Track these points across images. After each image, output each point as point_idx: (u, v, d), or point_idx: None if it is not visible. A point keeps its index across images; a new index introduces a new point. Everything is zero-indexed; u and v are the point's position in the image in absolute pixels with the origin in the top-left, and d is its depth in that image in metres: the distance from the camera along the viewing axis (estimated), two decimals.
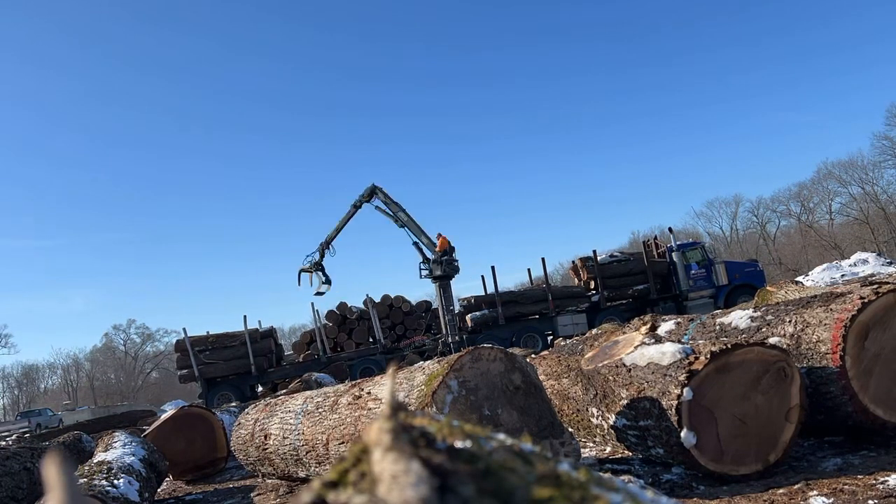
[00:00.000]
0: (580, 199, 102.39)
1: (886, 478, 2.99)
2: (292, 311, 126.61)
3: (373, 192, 22.15)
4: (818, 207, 60.13)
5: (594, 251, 22.85)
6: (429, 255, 21.76)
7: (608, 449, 4.65)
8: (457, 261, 21.71)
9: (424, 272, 21.49)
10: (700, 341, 3.74)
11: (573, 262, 24.56)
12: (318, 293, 22.71)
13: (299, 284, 22.73)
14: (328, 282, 22.65)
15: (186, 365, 21.69)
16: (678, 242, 23.92)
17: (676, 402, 3.27)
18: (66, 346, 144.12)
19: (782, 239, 62.69)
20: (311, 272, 22.52)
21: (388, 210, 22.14)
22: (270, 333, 23.20)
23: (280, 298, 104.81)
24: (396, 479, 0.48)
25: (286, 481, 5.38)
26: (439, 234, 21.86)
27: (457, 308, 22.36)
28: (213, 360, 21.88)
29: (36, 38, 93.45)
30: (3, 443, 6.64)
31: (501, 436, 0.59)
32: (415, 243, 22.05)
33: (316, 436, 4.32)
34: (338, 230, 22.58)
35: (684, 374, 3.30)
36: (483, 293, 22.36)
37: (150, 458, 5.45)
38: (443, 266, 21.24)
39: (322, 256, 22.43)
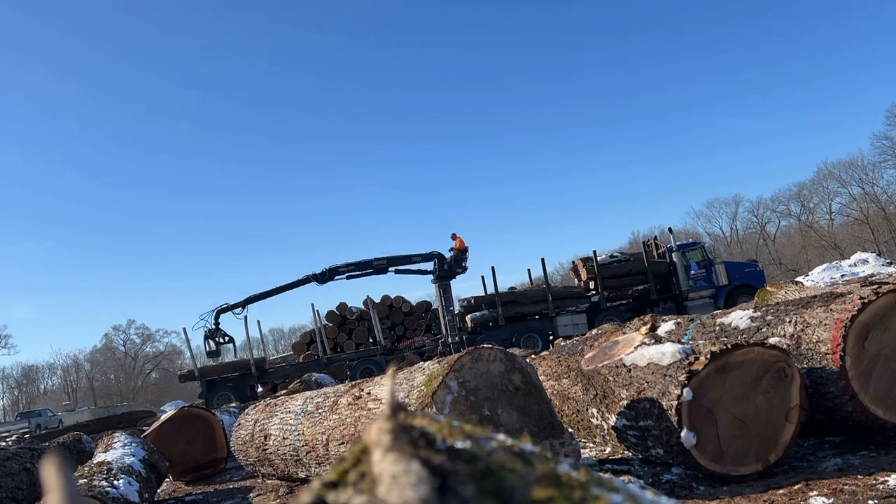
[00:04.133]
0: (580, 199, 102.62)
1: (886, 478, 2.99)
2: (292, 311, 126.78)
3: (335, 272, 21.18)
4: (818, 207, 60.23)
5: (594, 251, 22.85)
6: (426, 266, 21.76)
7: (608, 449, 4.65)
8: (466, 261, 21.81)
9: (443, 273, 21.26)
10: (700, 341, 3.74)
11: (573, 262, 24.57)
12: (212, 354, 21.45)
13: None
14: (221, 346, 21.14)
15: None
16: (678, 243, 23.89)
17: (676, 402, 3.27)
18: (65, 347, 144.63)
19: (782, 239, 62.72)
20: (210, 338, 21.18)
21: (362, 272, 21.57)
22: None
23: (280, 298, 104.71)
24: (396, 479, 0.48)
25: (286, 482, 5.37)
26: (454, 235, 21.94)
27: (457, 308, 22.34)
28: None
29: (36, 37, 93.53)
30: (3, 443, 6.63)
31: (501, 436, 0.59)
32: (402, 270, 21.73)
33: (316, 436, 4.32)
34: (274, 292, 21.33)
35: (684, 375, 3.30)
36: (483, 293, 22.37)
37: (149, 459, 5.45)
38: (458, 264, 21.25)
39: (218, 321, 21.01)
